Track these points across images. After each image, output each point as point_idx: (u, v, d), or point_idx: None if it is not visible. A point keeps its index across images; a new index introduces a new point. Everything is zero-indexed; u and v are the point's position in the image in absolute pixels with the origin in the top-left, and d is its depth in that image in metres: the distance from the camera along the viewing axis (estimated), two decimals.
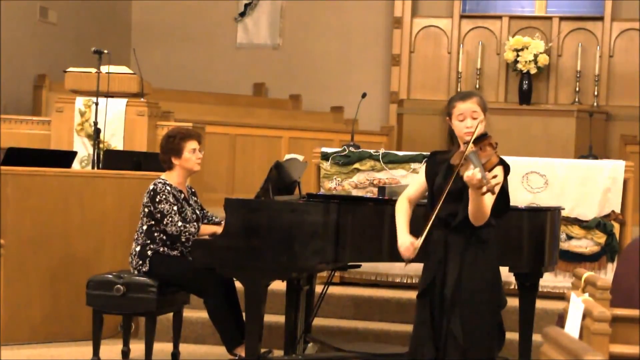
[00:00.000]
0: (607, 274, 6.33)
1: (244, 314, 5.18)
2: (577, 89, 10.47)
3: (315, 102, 11.10)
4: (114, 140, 7.52)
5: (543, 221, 5.20)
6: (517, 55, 10.35)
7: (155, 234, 5.54)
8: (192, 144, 5.60)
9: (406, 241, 4.31)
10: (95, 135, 7.12)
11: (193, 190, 5.81)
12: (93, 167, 7.08)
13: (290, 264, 5.00)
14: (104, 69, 7.28)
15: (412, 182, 4.97)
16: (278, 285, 5.61)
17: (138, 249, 5.58)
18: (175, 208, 5.50)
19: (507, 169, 4.21)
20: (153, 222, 5.53)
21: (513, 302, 5.54)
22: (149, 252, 5.54)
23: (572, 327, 3.34)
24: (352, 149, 6.70)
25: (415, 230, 4.30)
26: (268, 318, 5.58)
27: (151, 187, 5.56)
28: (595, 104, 10.40)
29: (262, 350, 5.29)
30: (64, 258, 6.26)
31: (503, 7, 11.02)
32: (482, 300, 4.20)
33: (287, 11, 11.47)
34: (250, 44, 11.56)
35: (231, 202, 5.08)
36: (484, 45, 10.74)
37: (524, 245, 5.17)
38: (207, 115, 9.43)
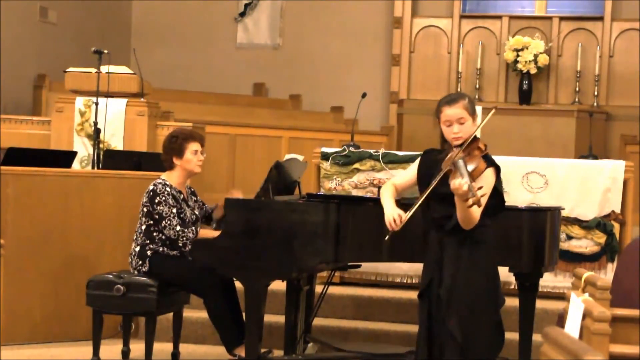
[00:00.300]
0: (607, 274, 6.33)
1: (244, 314, 5.19)
2: (577, 89, 10.46)
3: (315, 102, 11.10)
4: (114, 140, 7.52)
5: (543, 221, 5.20)
6: (517, 55, 10.34)
7: (155, 234, 5.54)
8: (194, 146, 5.60)
9: (394, 212, 4.31)
10: (95, 135, 7.12)
11: (193, 190, 5.81)
12: (93, 167, 7.08)
13: (291, 264, 5.00)
14: (104, 69, 7.27)
15: (403, 172, 4.97)
16: (278, 285, 5.61)
17: (137, 249, 5.58)
18: (174, 211, 5.50)
19: (497, 170, 4.22)
20: (152, 222, 5.53)
21: (513, 302, 5.54)
22: (149, 252, 5.54)
23: (572, 327, 3.34)
24: (352, 149, 6.70)
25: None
26: (268, 318, 5.58)
27: (151, 187, 5.56)
28: (595, 104, 10.40)
29: (262, 350, 5.29)
30: (64, 258, 6.26)
31: (503, 7, 11.01)
32: (478, 300, 4.21)
33: (287, 11, 11.47)
34: (250, 44, 11.56)
35: (231, 202, 5.08)
36: (484, 45, 10.74)
37: (524, 245, 5.17)
38: (207, 115, 9.42)
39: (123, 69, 7.91)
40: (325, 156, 6.69)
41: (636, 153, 8.91)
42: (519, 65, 10.34)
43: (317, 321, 6.00)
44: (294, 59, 11.39)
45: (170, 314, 5.84)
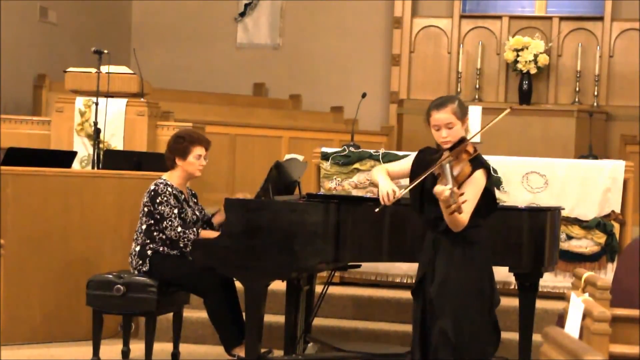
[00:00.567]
0: (607, 274, 6.33)
1: (244, 314, 5.19)
2: (577, 89, 10.46)
3: (315, 102, 11.10)
4: (114, 140, 7.52)
5: (543, 221, 5.20)
6: (517, 55, 10.34)
7: (155, 234, 5.54)
8: (199, 150, 5.61)
9: (389, 187, 4.36)
10: (95, 135, 7.12)
11: (193, 192, 5.81)
12: (93, 167, 7.08)
13: (290, 264, 5.00)
14: (104, 69, 7.27)
15: (398, 161, 5.00)
16: (278, 285, 5.61)
17: (138, 248, 5.58)
18: (175, 211, 5.50)
19: (488, 171, 4.26)
20: (152, 222, 5.53)
21: (513, 302, 5.54)
22: (149, 252, 5.54)
23: (572, 327, 3.34)
24: (352, 149, 6.70)
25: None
26: (268, 318, 5.57)
27: (152, 187, 5.56)
28: (595, 104, 10.40)
29: (262, 350, 5.29)
30: (64, 258, 6.26)
31: (503, 7, 11.01)
32: (471, 300, 4.24)
33: (287, 11, 11.47)
34: (250, 44, 11.56)
35: (231, 202, 5.08)
36: (484, 45, 10.74)
37: (524, 245, 5.17)
38: (207, 115, 9.42)
39: (123, 69, 7.92)
40: (325, 156, 6.69)
41: (636, 153, 8.92)
42: (519, 65, 10.34)
43: (317, 321, 6.00)
44: (294, 59, 11.39)
45: (170, 314, 5.84)
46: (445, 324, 4.18)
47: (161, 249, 5.54)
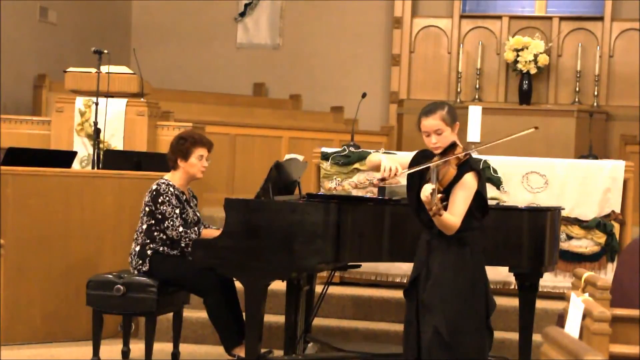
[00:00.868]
0: (607, 274, 6.33)
1: (244, 314, 5.19)
2: (577, 89, 10.46)
3: (315, 102, 11.10)
4: (114, 140, 7.52)
5: (543, 221, 5.20)
6: (517, 55, 10.34)
7: (155, 234, 5.54)
8: (201, 151, 5.62)
9: (393, 163, 4.41)
10: (95, 135, 7.12)
11: (194, 194, 5.82)
12: (93, 167, 7.08)
13: (290, 264, 5.00)
14: (104, 69, 7.27)
15: (398, 155, 5.05)
16: (278, 285, 5.61)
17: (138, 248, 5.58)
18: (177, 211, 5.51)
19: (479, 174, 4.30)
20: (153, 222, 5.53)
21: (513, 302, 5.55)
22: (149, 252, 5.54)
23: (572, 327, 3.34)
24: (352, 149, 6.70)
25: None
26: (268, 318, 5.58)
27: (154, 187, 5.56)
28: (595, 104, 10.40)
29: (262, 350, 5.29)
30: (64, 258, 6.26)
31: (503, 7, 11.01)
32: (465, 300, 4.26)
33: (287, 11, 11.47)
34: (250, 44, 11.55)
35: (231, 202, 5.08)
36: (484, 45, 10.73)
37: (524, 245, 5.17)
38: (207, 115, 9.42)
39: (123, 69, 7.91)
40: (325, 156, 6.69)
41: (636, 153, 8.92)
42: (519, 65, 10.34)
43: (317, 321, 6.00)
44: (294, 59, 11.39)
45: (170, 314, 5.85)
46: (439, 324, 4.20)
47: (161, 249, 5.55)
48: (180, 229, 5.47)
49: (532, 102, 10.38)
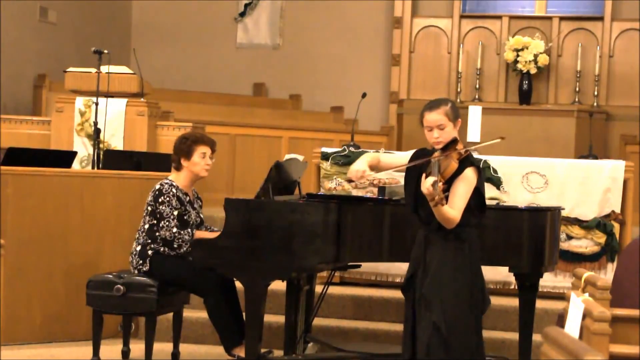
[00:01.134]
0: (607, 274, 6.33)
1: (244, 314, 5.19)
2: (577, 89, 10.46)
3: (315, 102, 11.10)
4: (114, 140, 7.52)
5: (543, 221, 5.20)
6: (517, 55, 10.34)
7: (157, 234, 5.54)
8: (203, 149, 5.62)
9: (360, 168, 4.48)
10: (95, 135, 7.12)
11: (199, 195, 5.82)
12: (93, 167, 7.08)
13: (290, 264, 5.00)
14: (104, 69, 7.27)
15: (394, 155, 5.11)
16: (278, 285, 5.61)
17: (139, 248, 5.58)
18: (175, 213, 5.51)
19: (479, 170, 4.33)
20: (155, 222, 5.54)
21: (513, 302, 5.55)
22: (150, 252, 5.54)
23: (572, 327, 3.34)
24: (352, 149, 6.70)
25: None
26: (268, 318, 5.58)
27: (157, 186, 5.57)
28: (595, 104, 10.39)
29: (262, 350, 5.29)
30: (64, 258, 6.26)
31: (503, 7, 11.01)
32: (462, 295, 4.28)
33: (287, 11, 11.46)
34: (250, 44, 11.55)
35: (231, 202, 5.08)
36: (484, 45, 10.73)
37: (524, 245, 5.17)
38: (207, 115, 9.41)
39: (123, 69, 7.91)
40: (325, 156, 6.69)
41: (636, 153, 8.91)
42: (519, 65, 10.34)
43: (317, 321, 6.00)
44: (294, 59, 11.39)
45: (170, 314, 5.85)
46: (438, 319, 4.22)
47: (162, 249, 5.55)
48: (174, 230, 5.48)
49: (532, 102, 10.37)
